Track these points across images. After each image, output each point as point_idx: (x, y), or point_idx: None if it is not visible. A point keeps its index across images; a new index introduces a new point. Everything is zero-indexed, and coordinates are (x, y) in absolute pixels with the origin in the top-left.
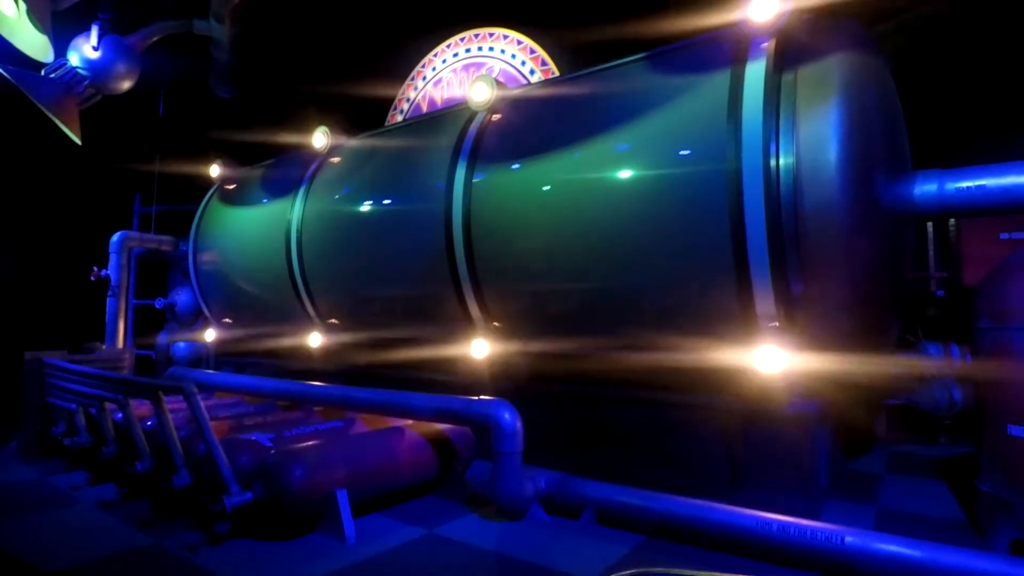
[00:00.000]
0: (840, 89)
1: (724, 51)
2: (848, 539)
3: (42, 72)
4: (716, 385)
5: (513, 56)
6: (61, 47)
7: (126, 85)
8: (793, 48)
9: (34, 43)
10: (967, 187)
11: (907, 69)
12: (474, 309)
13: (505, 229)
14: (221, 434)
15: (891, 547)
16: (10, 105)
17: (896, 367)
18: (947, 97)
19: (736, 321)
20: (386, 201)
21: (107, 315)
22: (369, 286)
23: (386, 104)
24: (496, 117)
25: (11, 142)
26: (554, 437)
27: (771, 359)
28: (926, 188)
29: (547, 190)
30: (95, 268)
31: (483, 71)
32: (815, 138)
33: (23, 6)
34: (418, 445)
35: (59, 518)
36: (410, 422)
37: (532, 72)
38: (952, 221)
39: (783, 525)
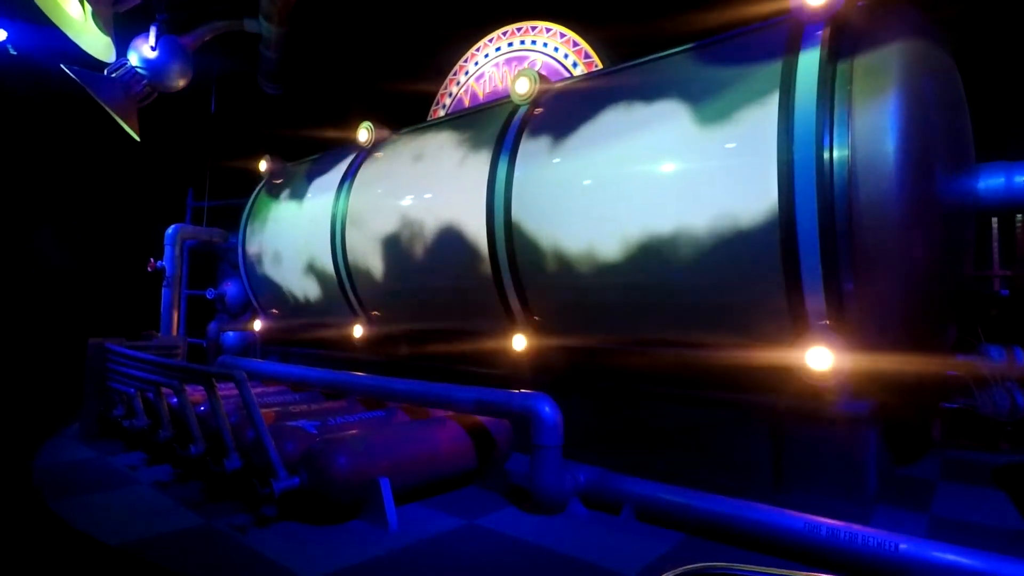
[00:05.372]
0: (898, 79)
1: (776, 40)
2: (902, 546)
3: (104, 72)
4: (762, 384)
5: (556, 49)
6: (121, 48)
7: (181, 83)
8: (849, 36)
9: (98, 44)
10: None
11: (971, 56)
12: (515, 303)
13: (546, 223)
14: (268, 421)
15: (949, 556)
16: (73, 103)
17: (953, 369)
18: (1016, 85)
19: (784, 318)
20: (427, 195)
21: (162, 305)
22: (410, 279)
23: (429, 99)
24: (539, 111)
25: (73, 139)
26: (593, 432)
27: (820, 358)
28: (992, 182)
29: (590, 184)
30: (151, 259)
31: (525, 65)
32: (871, 130)
33: (88, 9)
34: (458, 436)
35: (119, 496)
36: (450, 413)
37: (575, 65)
38: (1020, 216)
39: (832, 529)
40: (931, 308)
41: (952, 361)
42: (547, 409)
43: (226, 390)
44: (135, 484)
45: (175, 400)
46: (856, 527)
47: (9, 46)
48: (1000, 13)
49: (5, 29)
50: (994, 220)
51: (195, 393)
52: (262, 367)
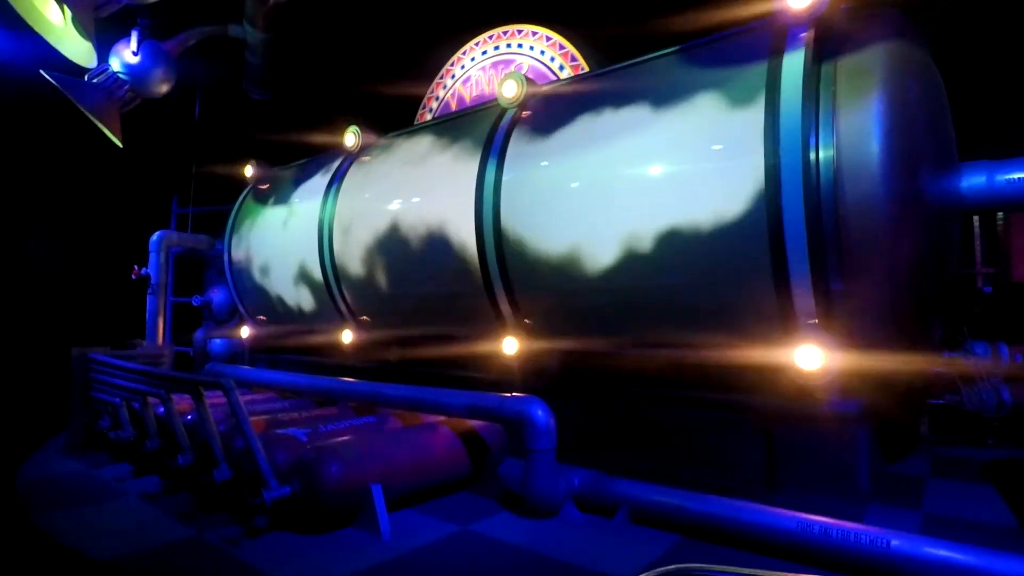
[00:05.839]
0: (882, 80)
1: (760, 43)
2: (894, 543)
3: (85, 77)
4: (753, 384)
5: (542, 53)
6: (103, 53)
7: (164, 89)
8: (833, 38)
9: (79, 50)
10: (1019, 179)
11: (953, 57)
12: (504, 306)
13: (535, 226)
14: (258, 429)
15: (941, 552)
16: (54, 110)
17: (940, 366)
18: (996, 85)
19: (773, 319)
20: (415, 199)
21: (147, 312)
22: (400, 283)
23: (415, 103)
24: (526, 114)
25: (56, 146)
26: (585, 435)
27: (810, 357)
28: (974, 180)
29: (578, 187)
30: (136, 267)
31: (512, 68)
32: (856, 131)
33: (68, 14)
34: (451, 442)
35: (106, 509)
36: (442, 418)
37: (561, 68)
38: (1000, 214)
39: (825, 527)
40: (918, 306)
41: (939, 358)
42: (540, 413)
43: (214, 398)
44: (123, 497)
45: (162, 410)
46: (848, 525)
47: None
48: (980, 13)
49: None
50: (975, 219)
51: (182, 402)
52: (251, 374)
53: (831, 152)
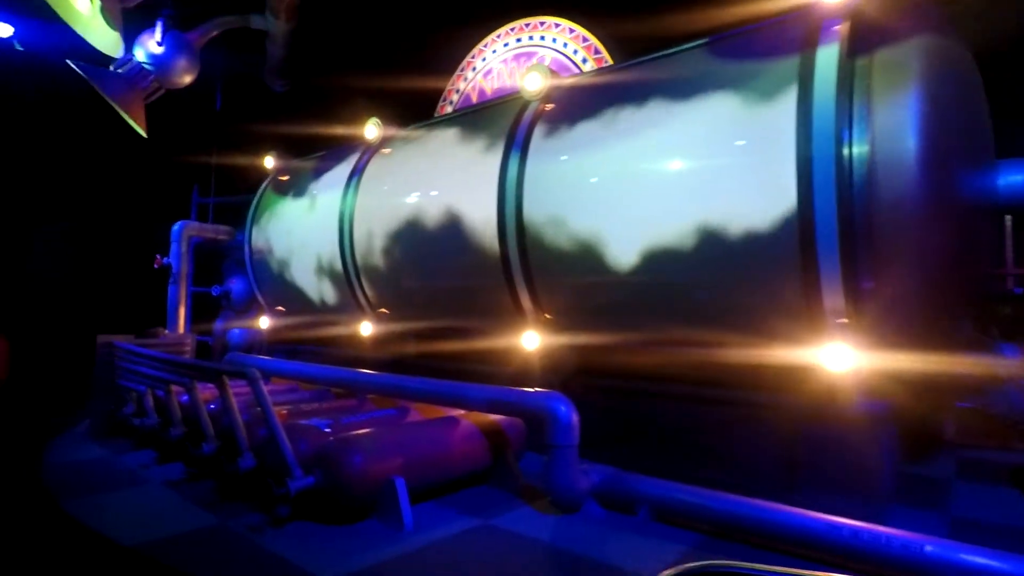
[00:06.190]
0: (919, 75)
1: (793, 35)
2: (928, 548)
3: (110, 67)
4: (778, 383)
5: (565, 45)
6: (127, 43)
7: (187, 79)
8: (868, 31)
9: (106, 40)
10: None
11: (991, 51)
12: (526, 301)
13: (558, 220)
14: (280, 419)
15: (978, 559)
16: (79, 99)
17: (969, 368)
18: None
19: (801, 317)
20: (436, 192)
21: (168, 302)
22: (420, 276)
23: (436, 95)
24: (549, 107)
25: (79, 135)
26: (603, 432)
27: (839, 357)
28: (1012, 178)
29: (602, 181)
30: (158, 256)
31: (534, 61)
32: (892, 126)
33: (97, 3)
34: (471, 435)
35: (131, 496)
36: (462, 412)
37: (584, 61)
38: None
39: (855, 530)
40: (949, 306)
41: (967, 360)
42: (563, 408)
43: (236, 388)
44: (147, 483)
45: (186, 398)
46: (879, 528)
47: (15, 42)
48: (1019, 7)
49: (11, 25)
50: (1007, 218)
51: (204, 391)
52: (272, 364)
53: (865, 147)
